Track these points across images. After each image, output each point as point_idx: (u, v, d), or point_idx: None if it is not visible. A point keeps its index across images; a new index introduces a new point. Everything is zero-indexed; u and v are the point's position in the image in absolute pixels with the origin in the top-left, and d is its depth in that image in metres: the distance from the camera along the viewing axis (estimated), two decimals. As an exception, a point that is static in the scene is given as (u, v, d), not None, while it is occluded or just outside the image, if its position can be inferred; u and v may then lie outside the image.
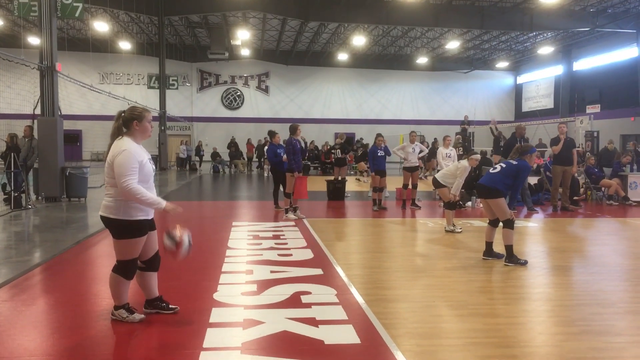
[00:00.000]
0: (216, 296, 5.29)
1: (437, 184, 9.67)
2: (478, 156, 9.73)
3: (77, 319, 4.66)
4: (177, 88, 37.64)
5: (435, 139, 32.62)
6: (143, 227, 4.43)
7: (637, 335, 4.42)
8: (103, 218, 4.43)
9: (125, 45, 33.44)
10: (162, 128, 29.28)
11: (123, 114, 4.46)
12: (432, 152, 21.35)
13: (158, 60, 30.09)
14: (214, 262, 6.78)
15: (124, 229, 4.36)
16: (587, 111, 31.23)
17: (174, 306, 4.79)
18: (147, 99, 33.85)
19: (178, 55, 37.71)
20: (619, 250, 8.36)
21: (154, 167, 4.61)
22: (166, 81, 31.44)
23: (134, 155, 4.27)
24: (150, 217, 4.51)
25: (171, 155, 32.22)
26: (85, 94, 30.65)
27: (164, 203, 4.37)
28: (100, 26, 28.08)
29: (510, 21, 27.73)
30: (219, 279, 5.96)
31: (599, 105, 32.23)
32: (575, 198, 13.54)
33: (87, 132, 37.07)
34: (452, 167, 9.77)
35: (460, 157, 11.82)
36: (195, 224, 10.24)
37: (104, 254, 7.72)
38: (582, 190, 14.83)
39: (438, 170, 11.17)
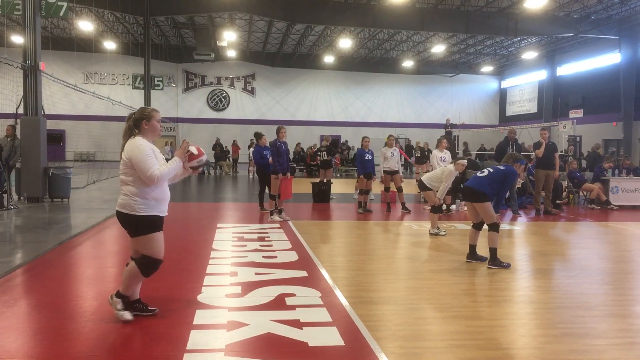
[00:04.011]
0: (200, 298, 5.27)
1: (422, 186, 9.71)
2: (464, 161, 9.80)
3: (59, 320, 4.62)
4: (162, 89, 37.44)
5: (408, 139, 32.80)
6: (158, 222, 4.55)
7: (617, 337, 4.48)
8: (119, 214, 4.53)
9: (110, 45, 33.17)
10: (147, 129, 29.07)
11: (133, 115, 4.67)
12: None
13: (143, 60, 29.89)
14: (198, 264, 6.76)
15: (140, 224, 4.46)
16: (570, 116, 31.59)
17: (153, 307, 4.78)
18: (131, 99, 33.64)
19: (163, 55, 37.50)
20: (600, 253, 8.46)
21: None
22: (151, 82, 31.26)
23: (147, 146, 4.48)
24: (164, 215, 4.63)
25: (156, 156, 32.02)
26: (69, 94, 30.30)
27: (178, 158, 4.59)
28: (85, 25, 27.84)
29: (495, 26, 27.95)
30: (203, 280, 5.94)
31: (582, 110, 32.61)
32: (557, 202, 13.69)
33: (70, 132, 36.72)
34: (438, 170, 9.82)
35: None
36: (179, 225, 10.19)
37: (87, 255, 7.67)
38: (564, 194, 15.01)
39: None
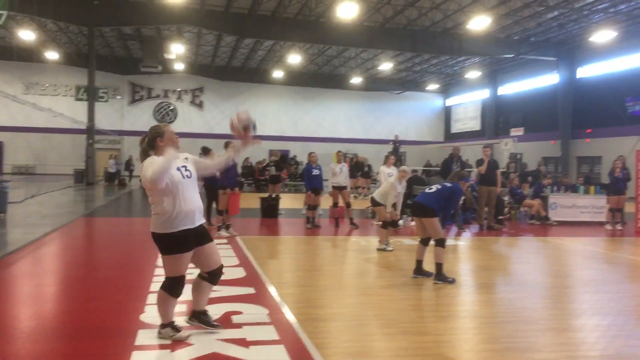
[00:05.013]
0: (143, 317, 5.11)
1: (374, 202, 9.79)
2: (405, 167, 9.97)
3: (-9, 343, 4.39)
4: (106, 101, 36.54)
5: (356, 154, 33.21)
6: (187, 241, 4.43)
7: (557, 351, 4.60)
8: (152, 234, 4.52)
9: (52, 55, 32.21)
10: (90, 142, 28.26)
11: (146, 137, 4.62)
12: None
13: (87, 71, 29.14)
14: (141, 282, 6.57)
15: (168, 242, 4.41)
16: (511, 134, 32.68)
17: (217, 323, 4.76)
18: (74, 111, 32.74)
19: (109, 67, 36.64)
20: (540, 268, 8.73)
21: (188, 174, 4.56)
22: (95, 93, 30.43)
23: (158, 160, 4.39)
24: (194, 226, 4.48)
25: (99, 170, 31.15)
26: (7, 105, 29.31)
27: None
28: (26, 35, 26.97)
29: (440, 45, 28.76)
30: (146, 299, 5.76)
31: (523, 128, 33.79)
32: (500, 217, 14.07)
33: (9, 144, 35.36)
34: (384, 185, 9.93)
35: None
36: (123, 241, 9.92)
37: (24, 273, 7.34)
38: (506, 209, 15.44)
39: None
